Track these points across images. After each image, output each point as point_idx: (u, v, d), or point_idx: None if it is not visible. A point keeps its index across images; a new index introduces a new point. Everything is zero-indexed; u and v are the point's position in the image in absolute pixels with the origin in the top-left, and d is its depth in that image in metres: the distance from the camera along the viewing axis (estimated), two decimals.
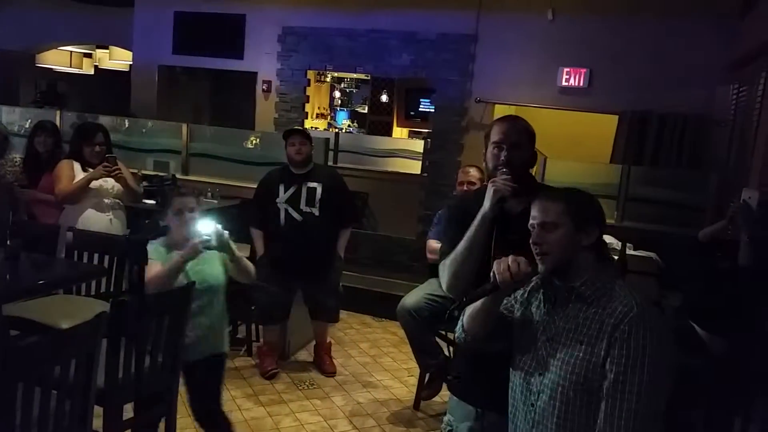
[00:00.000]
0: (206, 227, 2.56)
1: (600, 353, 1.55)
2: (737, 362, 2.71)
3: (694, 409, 2.54)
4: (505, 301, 1.76)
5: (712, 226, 3.53)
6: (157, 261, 2.67)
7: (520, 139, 1.98)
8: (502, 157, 1.94)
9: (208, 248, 2.57)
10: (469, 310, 1.75)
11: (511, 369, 1.75)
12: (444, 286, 2.02)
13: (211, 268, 2.73)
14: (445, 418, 2.13)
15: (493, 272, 1.62)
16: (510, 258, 1.60)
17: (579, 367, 1.57)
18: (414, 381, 3.91)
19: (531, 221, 1.67)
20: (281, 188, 4.00)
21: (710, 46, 5.08)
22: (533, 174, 2.15)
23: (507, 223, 1.87)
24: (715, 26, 5.06)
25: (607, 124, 5.80)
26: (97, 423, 2.35)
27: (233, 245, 2.69)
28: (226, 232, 2.61)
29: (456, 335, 1.84)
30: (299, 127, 4.21)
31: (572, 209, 1.63)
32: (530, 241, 1.66)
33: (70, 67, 9.18)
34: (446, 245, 2.03)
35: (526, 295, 1.77)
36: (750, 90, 4.22)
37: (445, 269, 1.99)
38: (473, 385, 2.02)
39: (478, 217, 1.88)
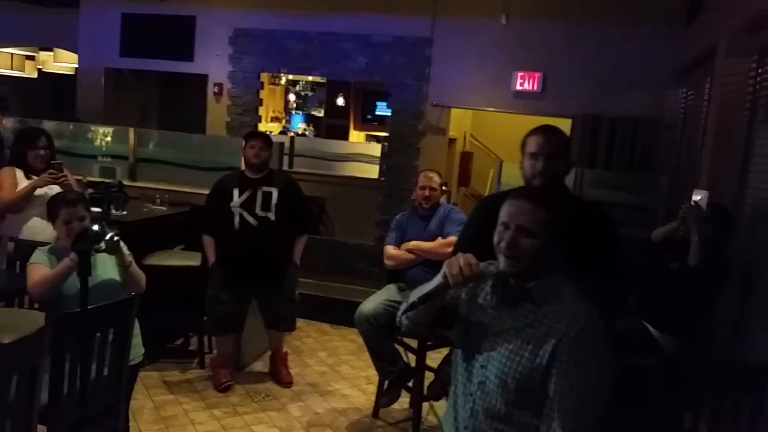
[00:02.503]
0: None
1: (545, 356, 1.58)
2: (688, 360, 2.77)
3: (648, 405, 2.58)
4: (448, 295, 1.78)
5: (664, 227, 3.60)
6: (42, 266, 2.60)
7: (556, 150, 2.06)
8: (539, 168, 2.03)
9: (98, 251, 2.49)
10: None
11: (453, 357, 1.80)
12: None
13: (106, 272, 2.66)
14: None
15: (444, 272, 1.64)
16: (461, 259, 1.61)
17: (524, 366, 1.60)
18: (373, 389, 3.86)
19: (506, 219, 1.65)
20: (235, 192, 3.89)
21: (659, 51, 5.21)
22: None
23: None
24: (663, 32, 5.19)
25: (561, 127, 5.88)
26: None
27: (125, 250, 2.62)
28: (117, 237, 2.53)
29: (397, 321, 1.86)
30: (262, 131, 4.12)
31: (551, 220, 1.64)
32: (504, 241, 1.64)
33: (11, 69, 8.80)
34: (461, 243, 2.04)
35: (471, 285, 1.78)
36: (696, 95, 4.34)
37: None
38: None
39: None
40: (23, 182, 3.69)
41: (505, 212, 1.66)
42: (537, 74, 5.56)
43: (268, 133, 7.10)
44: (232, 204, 3.87)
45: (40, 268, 2.59)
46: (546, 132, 2.10)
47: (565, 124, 5.73)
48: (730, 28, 3.51)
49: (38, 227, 3.65)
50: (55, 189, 3.64)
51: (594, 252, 1.76)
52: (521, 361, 1.60)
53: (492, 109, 5.87)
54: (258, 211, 3.87)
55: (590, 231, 1.96)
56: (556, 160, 2.03)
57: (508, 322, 1.66)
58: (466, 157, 8.21)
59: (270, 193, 3.89)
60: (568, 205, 1.96)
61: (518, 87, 5.62)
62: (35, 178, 3.69)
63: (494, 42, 5.68)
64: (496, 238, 1.67)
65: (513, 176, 5.02)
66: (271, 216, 3.88)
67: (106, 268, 2.67)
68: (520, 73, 5.60)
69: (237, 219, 3.86)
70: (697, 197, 3.01)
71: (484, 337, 1.69)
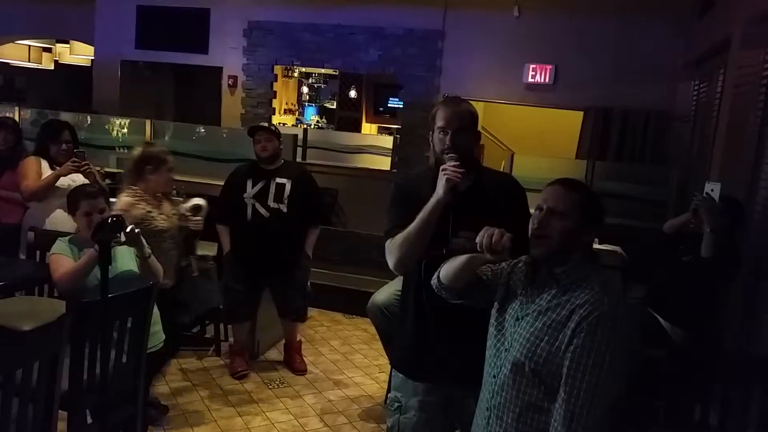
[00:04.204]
0: None
1: (564, 339, 1.58)
2: (698, 351, 2.78)
3: (658, 396, 2.60)
4: (486, 268, 1.81)
5: (676, 218, 3.61)
6: (65, 256, 2.65)
7: (463, 122, 2.03)
8: (448, 142, 2.00)
9: (118, 244, 2.55)
10: (449, 263, 1.79)
11: (488, 341, 1.81)
12: (392, 264, 2.03)
13: (125, 264, 2.72)
14: (391, 395, 2.17)
15: (476, 242, 1.65)
16: (497, 230, 1.61)
17: (541, 350, 1.61)
18: (385, 377, 3.91)
19: (539, 203, 1.68)
20: (249, 183, 3.94)
21: (671, 44, 5.20)
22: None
23: (457, 199, 1.90)
24: (676, 25, 5.18)
25: (573, 120, 5.88)
26: (61, 427, 2.29)
27: (144, 242, 2.67)
28: (137, 229, 2.60)
29: (432, 283, 1.89)
30: (264, 124, 4.15)
31: (584, 204, 1.65)
32: (533, 221, 1.66)
33: (29, 61, 8.91)
34: (393, 224, 2.05)
35: (509, 271, 1.79)
36: (709, 86, 4.33)
37: (395, 248, 1.99)
38: (422, 362, 2.07)
39: (432, 202, 1.90)
40: (47, 172, 3.74)
41: (540, 198, 1.70)
42: (549, 66, 5.57)
43: (278, 124, 7.15)
44: (245, 195, 3.92)
45: (63, 259, 2.64)
46: (454, 105, 2.08)
47: (577, 117, 5.75)
48: (744, 19, 3.50)
49: (60, 219, 3.68)
50: (78, 180, 3.69)
51: (503, 223, 1.78)
52: (540, 344, 1.61)
53: (504, 102, 5.88)
54: (270, 202, 3.91)
55: (502, 202, 2.00)
56: (464, 133, 2.03)
57: (533, 306, 1.68)
58: (478, 150, 8.19)
59: (283, 185, 3.93)
60: (486, 176, 2.05)
61: (530, 79, 5.62)
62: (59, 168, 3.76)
63: (506, 34, 5.68)
64: (530, 224, 1.68)
65: (525, 168, 5.08)
66: (284, 208, 3.91)
67: (125, 260, 2.72)
68: (532, 66, 5.60)
69: (250, 210, 3.91)
70: (709, 189, 3.01)
71: (511, 323, 1.72)
